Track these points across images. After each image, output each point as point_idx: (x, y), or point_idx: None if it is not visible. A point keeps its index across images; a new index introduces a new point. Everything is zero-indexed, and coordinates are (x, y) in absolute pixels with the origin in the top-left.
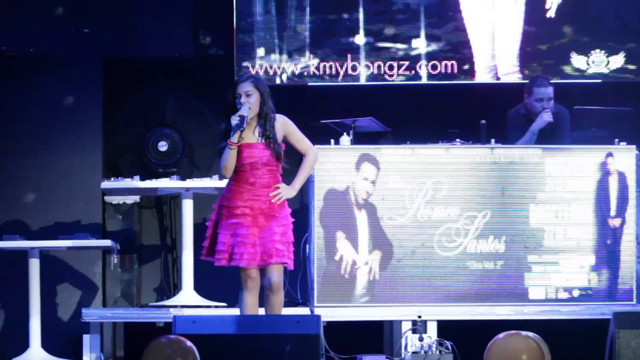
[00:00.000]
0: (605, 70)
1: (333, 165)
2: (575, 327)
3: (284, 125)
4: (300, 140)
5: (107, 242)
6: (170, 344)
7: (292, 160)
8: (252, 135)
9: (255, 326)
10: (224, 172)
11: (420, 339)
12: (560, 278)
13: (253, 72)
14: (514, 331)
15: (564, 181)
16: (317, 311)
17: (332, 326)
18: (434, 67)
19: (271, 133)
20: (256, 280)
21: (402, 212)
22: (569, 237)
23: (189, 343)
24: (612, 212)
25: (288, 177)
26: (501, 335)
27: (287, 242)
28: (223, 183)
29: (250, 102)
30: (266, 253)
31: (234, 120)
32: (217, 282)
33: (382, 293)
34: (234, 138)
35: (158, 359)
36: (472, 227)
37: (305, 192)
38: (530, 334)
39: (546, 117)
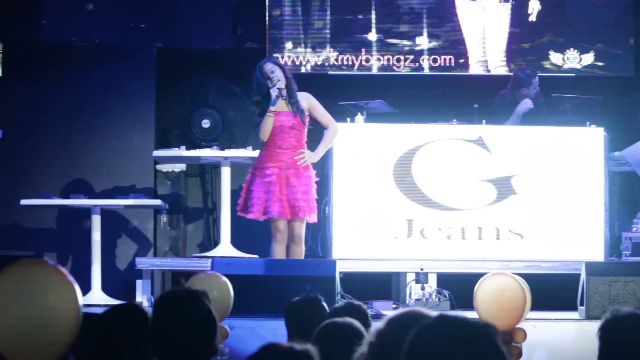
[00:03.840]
0: (578, 66)
1: (349, 139)
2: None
3: (307, 100)
4: (323, 114)
5: (157, 202)
6: (208, 277)
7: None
8: (281, 105)
9: (281, 268)
10: (262, 136)
11: (422, 288)
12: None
13: (282, 62)
14: (500, 271)
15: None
16: None
17: (347, 276)
18: (435, 61)
19: (295, 101)
20: (284, 233)
21: (409, 178)
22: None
23: (224, 278)
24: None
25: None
26: (489, 274)
27: (308, 199)
28: (256, 153)
29: (278, 76)
30: (291, 208)
31: (274, 92)
32: (250, 238)
33: (390, 248)
34: (273, 107)
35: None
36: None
37: (326, 161)
38: (515, 275)
39: (529, 103)
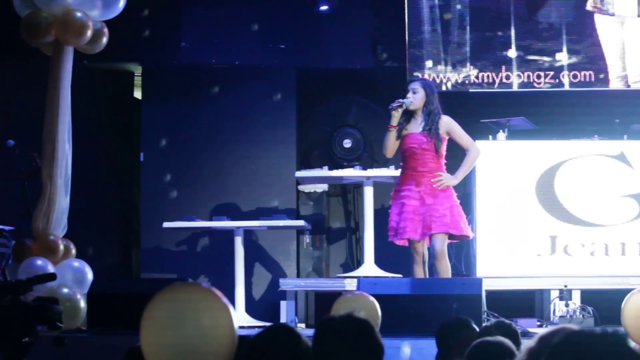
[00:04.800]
0: None
1: (491, 157)
2: None
3: (446, 124)
4: (462, 137)
5: (301, 222)
6: (355, 297)
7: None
8: (415, 127)
9: (427, 287)
10: (385, 152)
11: (566, 305)
12: None
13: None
14: None
15: None
16: None
17: (491, 294)
18: (575, 77)
19: (432, 127)
20: (421, 254)
21: (551, 195)
22: None
23: (372, 298)
24: None
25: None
26: (636, 290)
27: (449, 215)
28: (398, 172)
29: (413, 97)
30: (427, 226)
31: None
32: (393, 258)
33: (534, 265)
34: (392, 120)
35: (345, 311)
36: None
37: (468, 179)
38: None
39: None
